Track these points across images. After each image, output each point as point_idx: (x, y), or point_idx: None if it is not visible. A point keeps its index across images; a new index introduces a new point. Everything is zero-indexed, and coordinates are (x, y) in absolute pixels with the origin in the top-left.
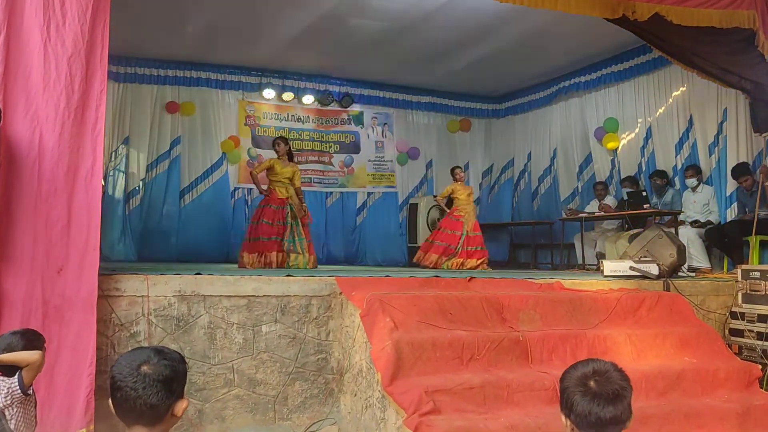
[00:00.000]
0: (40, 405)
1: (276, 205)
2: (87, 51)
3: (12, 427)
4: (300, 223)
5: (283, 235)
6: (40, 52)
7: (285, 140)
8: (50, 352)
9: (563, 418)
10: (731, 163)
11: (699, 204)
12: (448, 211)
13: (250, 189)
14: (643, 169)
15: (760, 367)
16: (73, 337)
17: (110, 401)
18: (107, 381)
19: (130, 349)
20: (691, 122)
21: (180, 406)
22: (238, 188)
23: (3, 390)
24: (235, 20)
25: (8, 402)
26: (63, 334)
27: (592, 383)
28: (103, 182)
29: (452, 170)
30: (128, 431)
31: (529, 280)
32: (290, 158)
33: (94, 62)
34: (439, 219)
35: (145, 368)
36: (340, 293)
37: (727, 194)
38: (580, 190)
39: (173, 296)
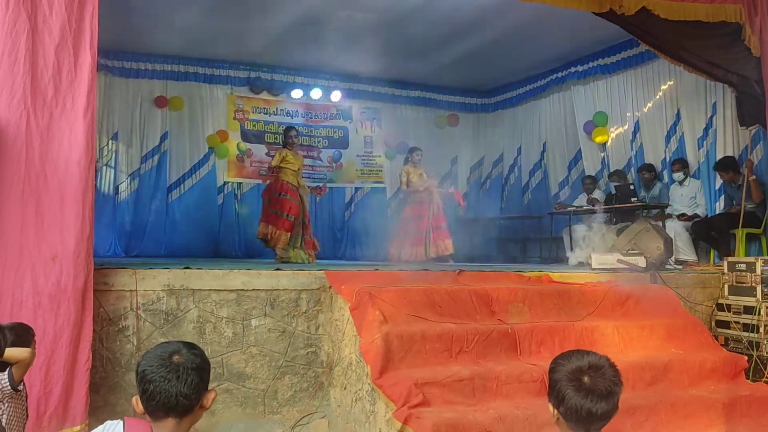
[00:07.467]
0: (35, 400)
1: (289, 195)
2: (74, 40)
3: (3, 422)
4: (304, 220)
5: (291, 229)
6: (27, 41)
7: (297, 130)
8: (45, 344)
9: (551, 407)
10: (720, 157)
11: (686, 197)
12: None
13: (240, 184)
14: (633, 162)
15: (746, 358)
16: (71, 329)
17: (136, 399)
18: (96, 376)
19: (118, 344)
20: (678, 116)
21: (209, 397)
22: (228, 183)
23: None
24: (223, 14)
25: None
26: (59, 325)
27: (586, 379)
28: None
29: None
30: (157, 425)
31: (518, 273)
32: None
33: (83, 51)
34: None
35: (177, 358)
36: (330, 287)
37: (716, 187)
38: (570, 184)
39: (162, 290)
